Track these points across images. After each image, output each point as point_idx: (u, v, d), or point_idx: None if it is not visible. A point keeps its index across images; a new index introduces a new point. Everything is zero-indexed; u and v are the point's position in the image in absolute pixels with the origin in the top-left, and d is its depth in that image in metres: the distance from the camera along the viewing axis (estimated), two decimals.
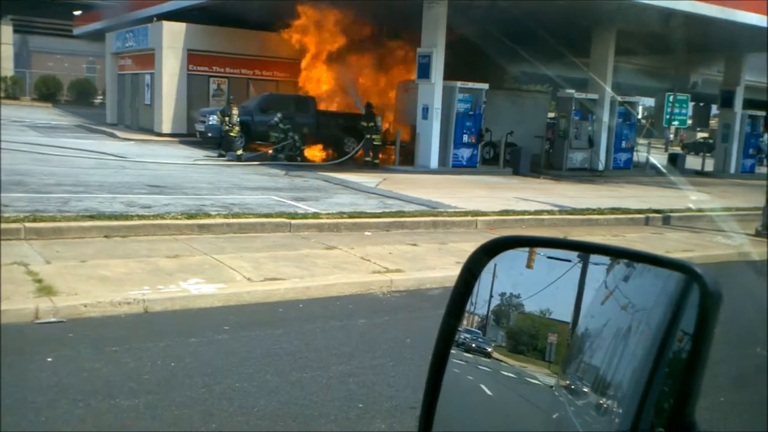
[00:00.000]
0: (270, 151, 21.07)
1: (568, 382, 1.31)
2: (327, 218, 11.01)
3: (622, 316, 1.30)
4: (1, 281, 6.57)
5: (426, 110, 20.58)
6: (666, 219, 13.96)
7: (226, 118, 20.58)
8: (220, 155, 20.63)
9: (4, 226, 8.66)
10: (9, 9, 48.67)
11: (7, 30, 51.04)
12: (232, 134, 20.59)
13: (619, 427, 1.20)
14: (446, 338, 1.43)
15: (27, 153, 17.99)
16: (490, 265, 1.45)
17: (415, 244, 10.01)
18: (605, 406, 1.25)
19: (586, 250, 1.39)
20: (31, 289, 6.52)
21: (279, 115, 20.74)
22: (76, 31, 42.73)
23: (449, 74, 20.64)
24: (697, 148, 31.33)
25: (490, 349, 1.42)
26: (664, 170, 24.77)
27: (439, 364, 1.42)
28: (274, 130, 20.64)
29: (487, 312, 1.44)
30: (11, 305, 6.04)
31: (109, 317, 6.28)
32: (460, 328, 1.44)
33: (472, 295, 1.45)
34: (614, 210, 14.01)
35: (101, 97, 44.91)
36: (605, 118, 23.85)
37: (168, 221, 9.83)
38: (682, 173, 26.45)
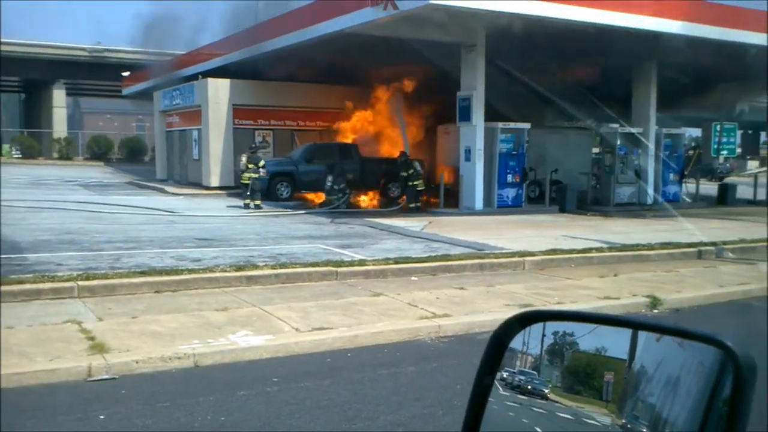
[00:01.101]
0: (319, 203, 21.40)
1: (624, 421, 1.30)
2: (373, 265, 11.02)
3: (678, 352, 1.30)
4: (48, 340, 6.71)
5: (468, 152, 20.62)
6: (719, 251, 13.63)
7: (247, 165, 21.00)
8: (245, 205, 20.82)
9: (58, 285, 8.87)
10: (61, 73, 50.59)
11: (60, 94, 52.97)
12: (242, 181, 21.13)
13: None
14: (475, 412, 1.42)
15: (79, 212, 18.46)
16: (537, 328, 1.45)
17: (462, 288, 9.94)
18: None
19: (621, 325, 1.40)
20: (83, 347, 6.62)
21: (330, 178, 21.00)
22: (125, 91, 44.08)
23: (490, 115, 20.71)
24: (701, 173, 30.62)
25: (546, 391, 1.40)
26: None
27: None
28: (332, 193, 20.88)
29: (541, 352, 1.43)
30: (64, 364, 6.14)
31: (161, 372, 6.33)
32: (513, 370, 1.43)
33: (524, 335, 1.45)
34: (665, 245, 13.75)
35: (151, 153, 46.05)
36: (651, 151, 23.58)
37: (217, 274, 9.93)
38: (732, 203, 25.90)
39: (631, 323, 1.39)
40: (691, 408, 1.22)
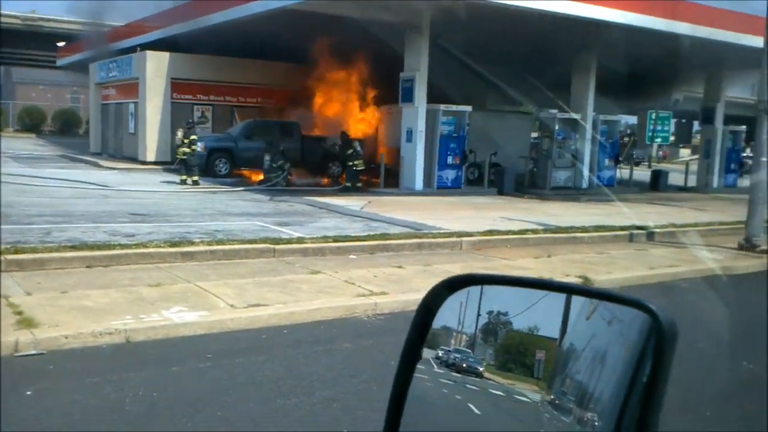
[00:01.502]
0: (259, 180, 21.07)
1: (552, 397, 1.31)
2: (311, 243, 10.98)
3: (607, 330, 1.32)
4: None
5: (410, 133, 20.67)
6: (650, 235, 14.01)
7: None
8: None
9: None
10: None
11: None
12: (177, 156, 20.83)
13: None
14: (403, 381, 1.43)
15: (9, 184, 17.87)
16: (474, 290, 1.46)
17: (400, 267, 9.99)
18: (587, 419, 1.26)
19: (546, 288, 1.42)
20: (10, 321, 6.43)
21: (267, 157, 20.73)
22: (60, 62, 42.71)
23: (432, 96, 20.78)
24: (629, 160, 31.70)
25: (480, 369, 1.41)
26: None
27: (396, 410, 1.42)
28: (270, 171, 20.62)
29: (475, 330, 1.44)
30: None
31: (91, 348, 6.20)
32: (449, 348, 1.44)
33: (459, 313, 1.45)
34: (598, 227, 14.05)
35: (85, 126, 44.86)
36: (588, 136, 24.03)
37: (151, 249, 9.75)
38: (664, 189, 26.64)
39: (559, 287, 1.41)
40: (617, 381, 1.24)
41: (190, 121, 22.20)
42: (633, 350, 1.25)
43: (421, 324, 1.46)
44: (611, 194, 20.55)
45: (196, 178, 20.25)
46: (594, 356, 1.31)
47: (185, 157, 20.35)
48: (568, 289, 1.40)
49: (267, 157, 20.74)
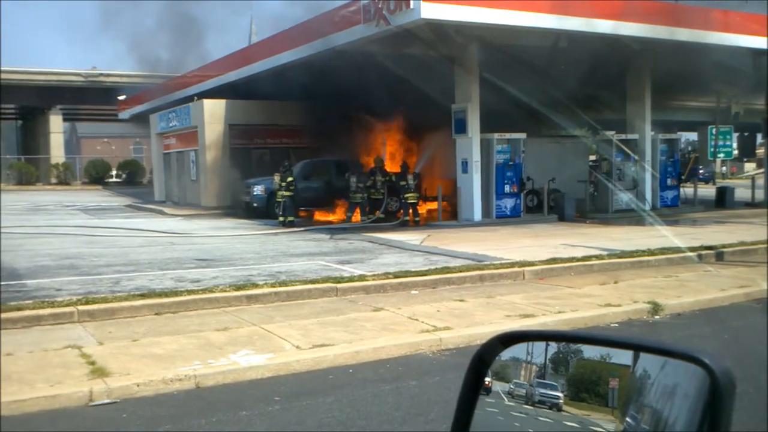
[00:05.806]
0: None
1: (626, 426, 1.29)
2: (373, 280, 11.00)
3: (669, 362, 1.29)
4: (48, 366, 6.70)
5: (465, 164, 20.65)
6: (719, 255, 13.61)
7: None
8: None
9: (57, 310, 8.86)
10: (57, 98, 50.74)
11: (57, 119, 53.04)
12: (276, 200, 21.44)
13: None
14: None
15: (78, 236, 18.46)
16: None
17: (462, 300, 9.92)
18: None
19: (600, 344, 1.40)
20: (84, 371, 6.60)
21: (353, 178, 21.31)
22: (121, 114, 44.19)
23: (485, 125, 20.76)
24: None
25: (557, 401, 1.41)
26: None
27: None
28: (358, 191, 21.17)
29: (545, 360, 1.43)
30: (65, 389, 6.12)
31: (162, 395, 6.31)
32: (519, 380, 1.44)
33: (528, 344, 1.45)
34: (665, 250, 13.72)
35: (149, 176, 46.11)
36: (648, 157, 23.62)
37: (217, 294, 9.92)
38: (730, 206, 25.89)
39: (610, 342, 1.39)
40: (690, 408, 1.22)
41: (286, 164, 22.54)
42: (692, 395, 1.22)
43: (475, 376, 1.46)
44: (675, 214, 20.08)
45: (292, 218, 20.73)
46: (663, 389, 1.29)
47: (282, 200, 20.94)
48: (619, 344, 1.38)
49: (353, 179, 21.25)
